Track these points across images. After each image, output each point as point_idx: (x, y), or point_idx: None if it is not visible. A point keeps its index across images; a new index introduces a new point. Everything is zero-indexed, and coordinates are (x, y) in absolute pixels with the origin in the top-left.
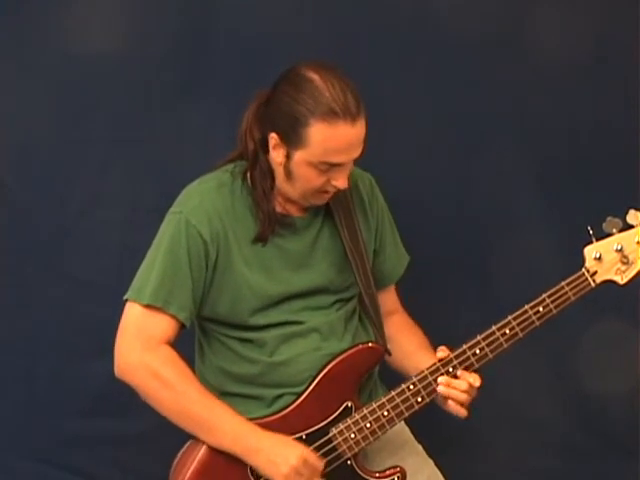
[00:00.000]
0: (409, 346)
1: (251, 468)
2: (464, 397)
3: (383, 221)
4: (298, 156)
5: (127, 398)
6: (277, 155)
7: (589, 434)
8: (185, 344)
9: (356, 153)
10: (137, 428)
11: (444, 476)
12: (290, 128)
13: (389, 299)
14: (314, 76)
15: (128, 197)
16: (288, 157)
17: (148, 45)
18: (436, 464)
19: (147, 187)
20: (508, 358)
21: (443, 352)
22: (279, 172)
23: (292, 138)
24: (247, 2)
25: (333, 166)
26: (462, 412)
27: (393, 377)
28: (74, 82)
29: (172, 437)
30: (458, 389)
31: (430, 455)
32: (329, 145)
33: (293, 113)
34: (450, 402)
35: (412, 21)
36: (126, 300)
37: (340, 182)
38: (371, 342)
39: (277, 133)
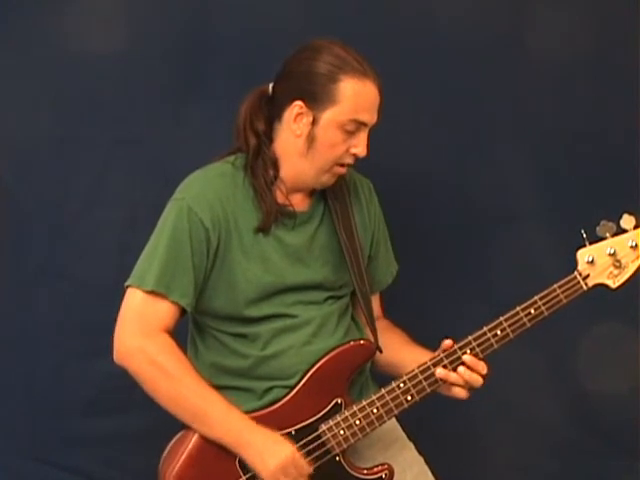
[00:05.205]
0: (394, 344)
1: (240, 461)
2: (464, 392)
3: (379, 228)
4: (326, 117)
5: (127, 398)
6: (299, 126)
7: (589, 434)
8: (178, 341)
9: (376, 116)
10: (137, 428)
11: (434, 474)
12: (319, 87)
13: (374, 305)
14: (331, 44)
15: (128, 197)
16: (314, 122)
17: (148, 45)
18: (426, 461)
19: (147, 187)
20: (509, 358)
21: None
22: (297, 147)
23: (321, 98)
24: (247, 2)
25: (359, 127)
26: (464, 394)
27: (384, 374)
28: (74, 82)
29: (172, 437)
30: (457, 384)
31: (426, 454)
32: (359, 100)
33: (321, 71)
34: (454, 388)
35: (413, 21)
36: (127, 287)
37: (360, 148)
38: (363, 339)
39: (302, 99)
